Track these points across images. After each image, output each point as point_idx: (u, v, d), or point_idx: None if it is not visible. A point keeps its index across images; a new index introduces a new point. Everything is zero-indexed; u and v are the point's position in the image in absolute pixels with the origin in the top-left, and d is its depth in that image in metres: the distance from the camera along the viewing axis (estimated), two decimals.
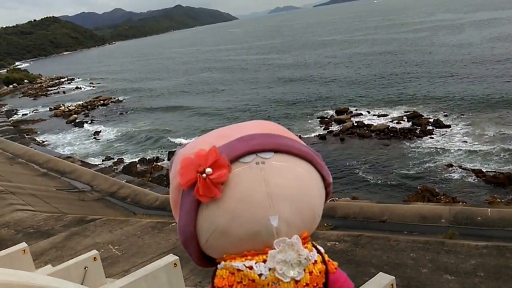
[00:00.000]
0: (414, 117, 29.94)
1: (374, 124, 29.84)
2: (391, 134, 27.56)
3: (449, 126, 27.39)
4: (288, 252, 0.87)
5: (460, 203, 16.05)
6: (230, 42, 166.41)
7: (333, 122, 32.16)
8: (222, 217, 0.87)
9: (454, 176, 20.41)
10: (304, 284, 0.88)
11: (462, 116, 28.96)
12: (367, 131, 28.83)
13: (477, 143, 24.10)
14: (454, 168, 21.37)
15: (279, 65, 71.63)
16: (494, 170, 20.22)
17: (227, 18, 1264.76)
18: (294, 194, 0.91)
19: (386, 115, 31.99)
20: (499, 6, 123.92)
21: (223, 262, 0.90)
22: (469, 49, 55.59)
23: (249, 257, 0.88)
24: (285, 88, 49.50)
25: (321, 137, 29.10)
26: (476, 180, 19.62)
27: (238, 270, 0.87)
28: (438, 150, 24.04)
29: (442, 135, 26.29)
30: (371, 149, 25.78)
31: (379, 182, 20.94)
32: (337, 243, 10.76)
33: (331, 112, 34.83)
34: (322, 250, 0.97)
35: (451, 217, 12.40)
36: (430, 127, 27.61)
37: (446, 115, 29.62)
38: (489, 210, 12.95)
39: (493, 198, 16.90)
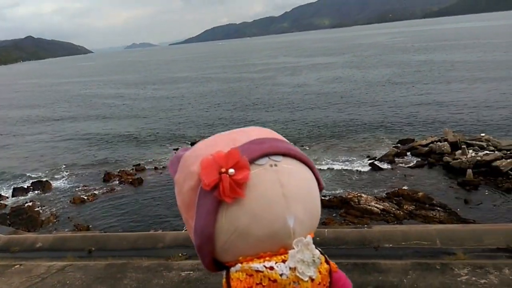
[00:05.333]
0: None
1: None
2: None
3: None
4: (305, 252, 0.86)
5: None
6: (84, 75, 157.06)
7: None
8: (243, 218, 0.85)
9: None
10: (318, 283, 0.88)
11: (301, 147, 31.52)
12: None
13: None
14: None
15: (133, 99, 69.74)
16: (328, 194, 22.30)
17: (81, 51, 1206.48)
18: (305, 195, 0.91)
19: None
20: (330, 52, 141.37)
21: (239, 265, 0.87)
22: (304, 88, 61.77)
23: (267, 258, 0.86)
24: (141, 121, 48.25)
25: None
26: None
27: (257, 271, 0.84)
28: None
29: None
30: None
31: None
32: (191, 272, 10.46)
33: (187, 144, 34.79)
34: (322, 251, 0.95)
35: None
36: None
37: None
38: (326, 230, 14.06)
39: (329, 219, 18.55)
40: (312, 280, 0.86)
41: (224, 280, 0.89)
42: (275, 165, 0.88)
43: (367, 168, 25.89)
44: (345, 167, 26.41)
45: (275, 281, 0.84)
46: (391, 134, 32.31)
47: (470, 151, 24.62)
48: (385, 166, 25.80)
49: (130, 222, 20.76)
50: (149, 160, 31.55)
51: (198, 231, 0.89)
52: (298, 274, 0.85)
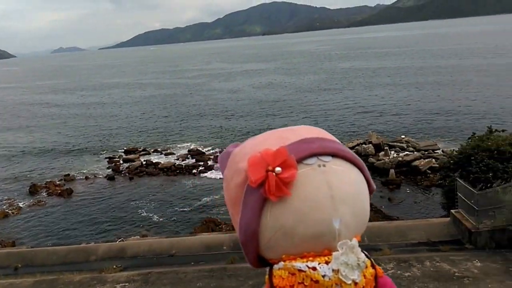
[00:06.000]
0: (197, 154, 31.36)
1: (162, 162, 30.02)
2: (178, 171, 28.15)
3: None
4: (349, 254, 0.85)
5: None
6: (6, 81, 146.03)
7: (121, 162, 31.01)
8: (288, 217, 0.83)
9: None
10: (362, 287, 0.85)
11: None
12: (155, 169, 28.74)
13: None
14: None
15: (61, 106, 66.02)
16: None
17: (3, 56, 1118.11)
18: (353, 198, 0.89)
19: (173, 153, 32.60)
20: (262, 59, 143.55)
21: (282, 263, 0.85)
22: (238, 94, 62.27)
23: (310, 258, 0.84)
24: (70, 129, 45.81)
25: (110, 178, 27.57)
26: None
27: (300, 270, 0.83)
28: (219, 183, 25.59)
29: None
30: (160, 186, 25.72)
31: (168, 217, 20.89)
32: (127, 284, 10.11)
33: (120, 152, 33.59)
34: (369, 255, 0.91)
35: (231, 244, 13.12)
36: (211, 163, 29.29)
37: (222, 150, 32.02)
38: None
39: None
40: (356, 283, 0.84)
41: (267, 276, 0.88)
42: (324, 165, 0.87)
43: None
44: None
45: (317, 281, 0.82)
46: None
47: (392, 152, 26.19)
48: None
49: (59, 236, 19.58)
50: (80, 170, 29.98)
51: (242, 227, 0.88)
52: (341, 277, 0.83)
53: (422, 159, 24.37)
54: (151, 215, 21.28)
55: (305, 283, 0.82)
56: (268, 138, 0.93)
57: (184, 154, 31.97)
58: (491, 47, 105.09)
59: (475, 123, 32.22)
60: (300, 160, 0.85)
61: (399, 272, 9.40)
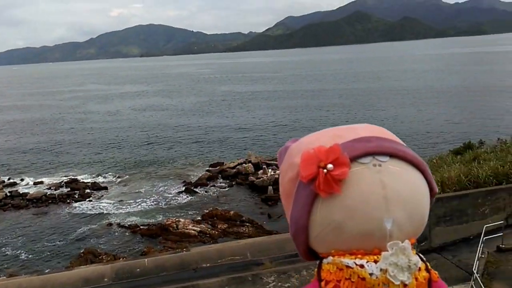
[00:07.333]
0: (71, 182, 29.02)
1: (31, 192, 27.09)
2: (49, 201, 25.68)
3: (106, 188, 27.92)
4: (400, 255, 0.83)
5: (121, 259, 16.35)
6: None
7: None
8: (338, 214, 0.84)
9: (113, 235, 20.73)
10: None
11: (117, 178, 30.18)
12: (22, 200, 25.82)
13: (131, 200, 25.51)
14: (113, 227, 21.75)
15: None
16: (147, 223, 21.82)
17: None
18: (409, 200, 0.87)
19: (43, 182, 29.68)
20: (142, 81, 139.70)
21: (330, 257, 0.86)
22: (117, 117, 59.63)
23: (359, 256, 0.84)
24: None
25: None
26: (133, 235, 20.59)
27: (347, 266, 0.83)
28: (97, 211, 24.02)
29: (100, 197, 26.50)
30: (29, 219, 23.14)
31: (40, 252, 18.86)
32: None
33: None
34: (424, 258, 0.89)
35: (113, 274, 12.37)
36: (88, 191, 27.39)
37: (103, 178, 30.20)
38: (146, 260, 13.69)
39: (149, 248, 18.10)
40: (405, 285, 0.82)
41: (315, 269, 0.89)
42: (379, 165, 0.85)
43: (183, 193, 26.34)
44: (163, 194, 26.35)
45: (364, 279, 0.82)
46: (204, 158, 33.72)
47: (270, 170, 27.57)
48: (199, 189, 26.70)
49: None
50: None
51: (293, 220, 0.90)
52: (389, 277, 0.81)
53: None
54: (18, 252, 18.98)
55: (352, 279, 0.83)
56: (324, 135, 0.94)
57: (57, 182, 29.32)
58: (349, 73, 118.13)
59: None
60: (354, 159, 0.85)
61: (279, 284, 9.89)
